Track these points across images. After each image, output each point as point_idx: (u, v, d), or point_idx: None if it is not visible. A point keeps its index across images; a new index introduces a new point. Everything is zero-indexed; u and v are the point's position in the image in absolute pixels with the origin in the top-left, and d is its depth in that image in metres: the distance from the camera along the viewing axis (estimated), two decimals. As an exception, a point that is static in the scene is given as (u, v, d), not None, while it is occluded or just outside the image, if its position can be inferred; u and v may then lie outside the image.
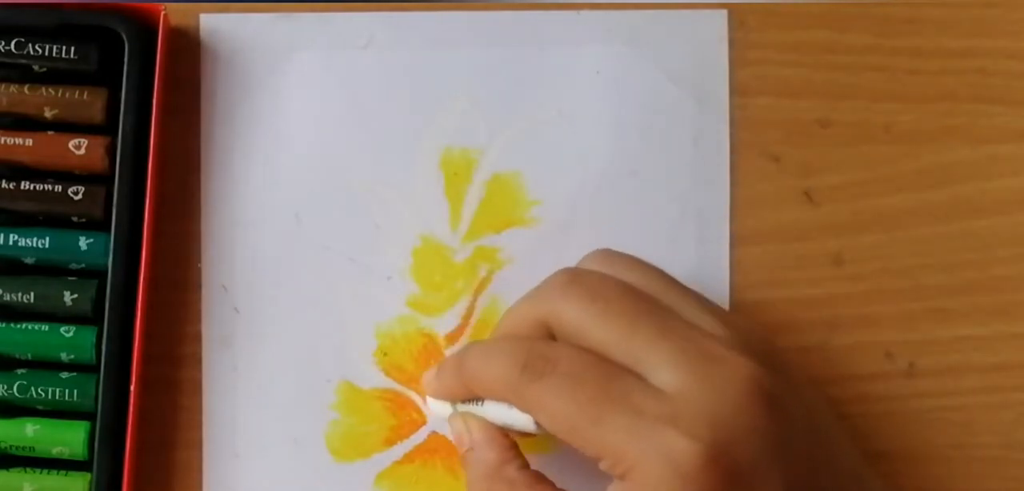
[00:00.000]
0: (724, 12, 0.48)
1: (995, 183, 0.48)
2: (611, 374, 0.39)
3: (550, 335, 0.42)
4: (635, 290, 0.41)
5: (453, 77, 0.48)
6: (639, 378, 0.39)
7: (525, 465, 0.42)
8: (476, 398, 0.43)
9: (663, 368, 0.39)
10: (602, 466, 0.39)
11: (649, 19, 0.48)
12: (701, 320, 0.41)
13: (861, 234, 0.48)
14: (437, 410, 0.45)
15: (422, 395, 0.47)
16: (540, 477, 0.42)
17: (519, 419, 0.42)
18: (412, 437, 0.47)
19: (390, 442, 0.47)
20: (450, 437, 0.45)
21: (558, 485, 0.42)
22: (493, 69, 0.48)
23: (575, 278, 0.42)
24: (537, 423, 0.41)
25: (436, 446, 0.47)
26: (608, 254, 0.44)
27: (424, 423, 0.47)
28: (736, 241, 0.48)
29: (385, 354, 0.47)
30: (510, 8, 0.48)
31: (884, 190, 0.48)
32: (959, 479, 0.47)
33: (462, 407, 0.44)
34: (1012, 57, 0.48)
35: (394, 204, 0.47)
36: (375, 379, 0.47)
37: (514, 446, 0.43)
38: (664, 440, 0.38)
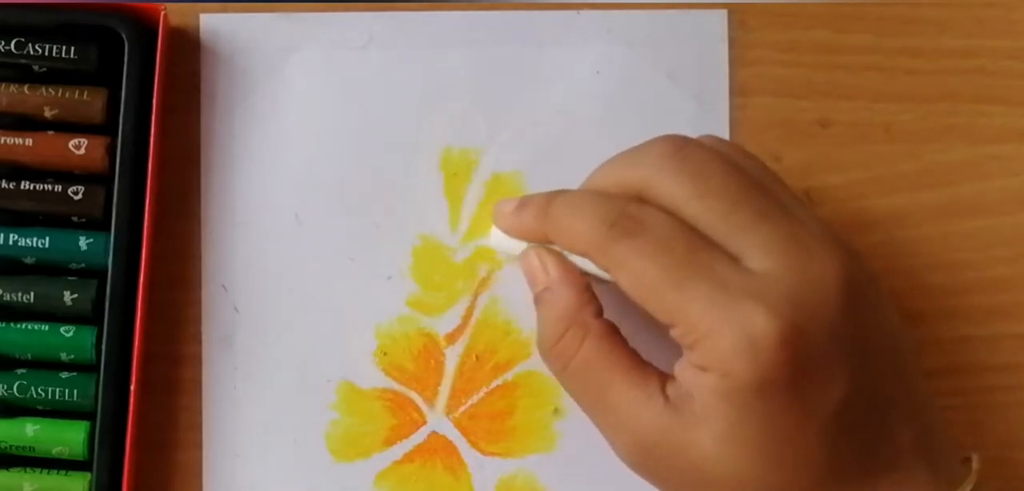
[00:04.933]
0: (724, 12, 0.48)
1: (995, 183, 0.48)
2: (700, 245, 0.39)
3: (639, 199, 0.41)
4: (739, 170, 0.41)
5: (453, 77, 0.48)
6: (728, 255, 0.39)
7: (600, 312, 0.42)
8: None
9: (755, 250, 0.39)
10: (673, 333, 0.39)
11: (649, 19, 0.48)
12: (798, 211, 0.41)
13: (861, 234, 0.48)
14: (502, 245, 0.45)
15: (422, 395, 0.47)
16: (614, 328, 0.41)
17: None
18: (412, 437, 0.47)
19: (390, 442, 0.47)
20: (521, 272, 0.44)
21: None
22: (493, 69, 0.48)
23: (677, 151, 0.41)
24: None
25: (436, 446, 0.47)
26: (712, 137, 0.43)
27: (424, 423, 0.47)
28: (736, 241, 0.47)
29: (385, 354, 0.47)
30: (510, 8, 0.48)
31: (884, 190, 0.48)
32: (959, 479, 0.47)
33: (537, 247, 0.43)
34: (1012, 57, 0.48)
35: (394, 204, 0.47)
36: (375, 379, 0.47)
37: (590, 288, 0.42)
38: (745, 312, 0.38)
